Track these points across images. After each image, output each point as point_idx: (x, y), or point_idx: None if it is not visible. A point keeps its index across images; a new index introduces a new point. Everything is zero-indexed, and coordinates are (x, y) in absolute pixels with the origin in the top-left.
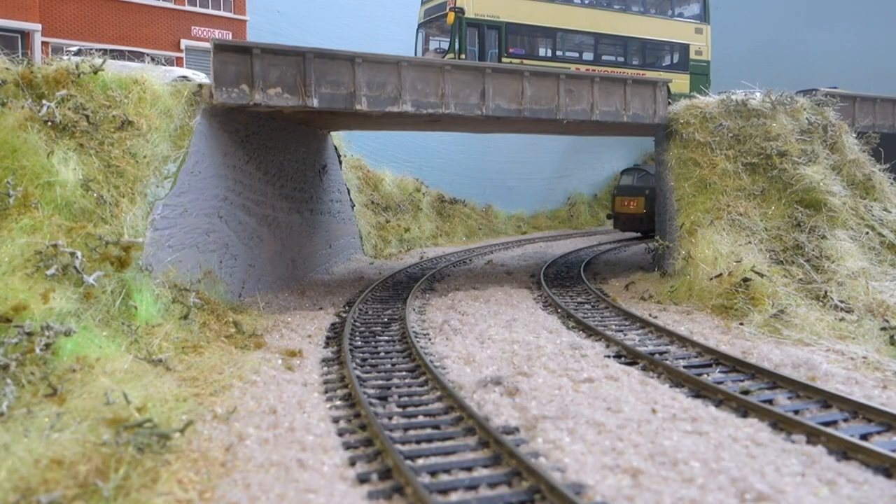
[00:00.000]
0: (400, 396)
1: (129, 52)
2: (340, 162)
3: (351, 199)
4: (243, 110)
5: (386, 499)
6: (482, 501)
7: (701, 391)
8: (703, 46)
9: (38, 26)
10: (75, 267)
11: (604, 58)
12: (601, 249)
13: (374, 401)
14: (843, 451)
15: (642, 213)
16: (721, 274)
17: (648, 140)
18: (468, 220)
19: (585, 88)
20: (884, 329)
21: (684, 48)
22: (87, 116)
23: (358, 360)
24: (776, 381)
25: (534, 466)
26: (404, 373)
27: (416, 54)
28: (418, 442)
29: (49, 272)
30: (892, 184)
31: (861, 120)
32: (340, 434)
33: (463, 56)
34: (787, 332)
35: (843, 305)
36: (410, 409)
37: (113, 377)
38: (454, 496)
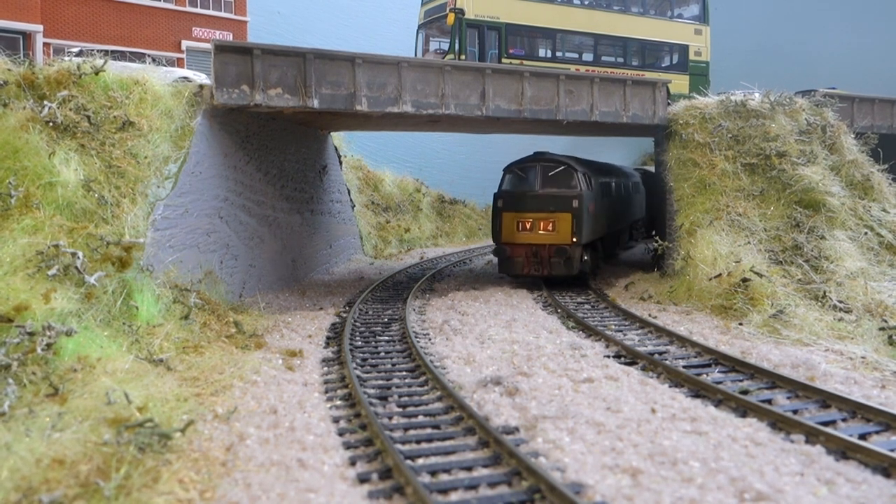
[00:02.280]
0: (400, 396)
1: (130, 52)
2: (340, 162)
3: (351, 200)
4: (244, 111)
5: (386, 498)
6: (482, 501)
7: (700, 391)
8: (703, 47)
9: (40, 27)
10: (76, 267)
11: (603, 58)
12: None
13: (374, 401)
14: (842, 450)
15: (568, 242)
16: (720, 274)
17: (648, 140)
18: (468, 221)
19: (585, 89)
20: (882, 329)
21: (684, 49)
22: (88, 117)
23: (358, 360)
24: (775, 380)
25: (534, 466)
26: (404, 373)
27: (416, 55)
28: (418, 442)
29: (50, 272)
30: (890, 184)
31: (860, 120)
32: (341, 434)
33: (463, 57)
34: (786, 332)
35: (841, 305)
36: (410, 409)
37: (114, 377)
38: (454, 496)
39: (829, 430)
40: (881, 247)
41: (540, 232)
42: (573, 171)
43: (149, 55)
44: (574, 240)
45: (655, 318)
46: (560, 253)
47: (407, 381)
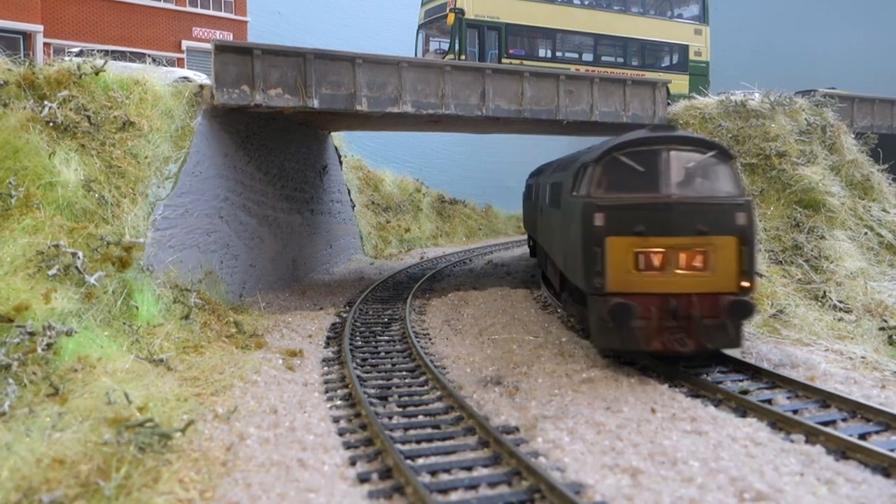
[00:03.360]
0: (400, 396)
1: (130, 52)
2: (341, 162)
3: (351, 200)
4: (244, 111)
5: (386, 498)
6: (482, 501)
7: (700, 391)
8: (703, 47)
9: (40, 27)
10: (77, 267)
11: (603, 58)
12: None
13: (374, 400)
14: (842, 450)
15: (733, 289)
16: None
17: None
18: (468, 221)
19: (585, 89)
20: (882, 329)
21: (683, 49)
22: (88, 117)
23: (358, 360)
24: (775, 380)
25: (534, 466)
26: (404, 373)
27: (416, 55)
28: (418, 441)
29: (51, 272)
30: (890, 184)
31: (859, 121)
32: (341, 434)
33: (463, 57)
34: (785, 331)
35: (841, 305)
36: (410, 409)
37: (114, 377)
38: (454, 496)
39: (829, 430)
40: (881, 247)
41: (680, 271)
42: (728, 160)
43: (149, 55)
44: (745, 284)
45: None
46: (734, 310)
47: (407, 380)
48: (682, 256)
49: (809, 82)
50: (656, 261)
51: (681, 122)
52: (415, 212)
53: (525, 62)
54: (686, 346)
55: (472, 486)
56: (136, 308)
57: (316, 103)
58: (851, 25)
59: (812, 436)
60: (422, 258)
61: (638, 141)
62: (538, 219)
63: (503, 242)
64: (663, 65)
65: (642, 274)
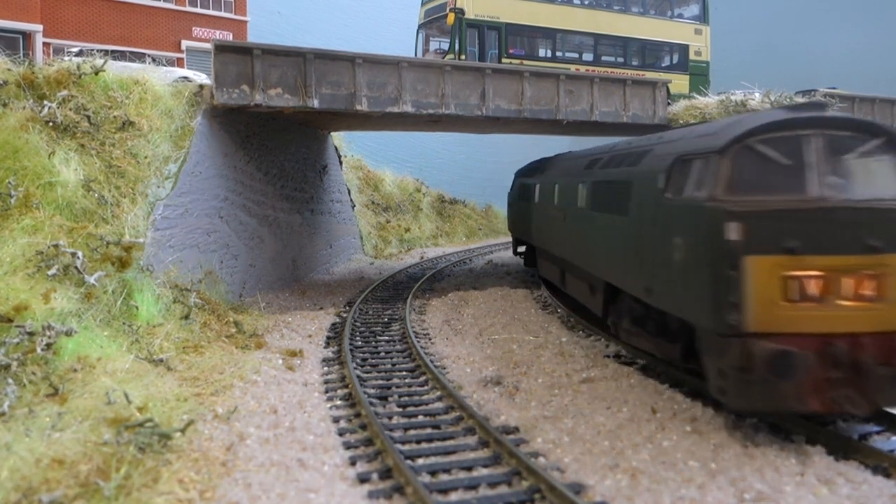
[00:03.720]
0: (400, 396)
1: (130, 52)
2: (341, 162)
3: (351, 200)
4: (244, 111)
5: (386, 498)
6: (482, 501)
7: (700, 391)
8: (703, 47)
9: (40, 27)
10: (76, 267)
11: (603, 58)
12: None
13: (374, 400)
14: (842, 450)
15: None
16: None
17: None
18: (468, 220)
19: (585, 89)
20: None
21: (684, 49)
22: (88, 117)
23: (358, 360)
24: None
25: (533, 466)
26: (404, 373)
27: (416, 55)
28: (418, 442)
29: (50, 272)
30: None
31: None
32: (341, 434)
33: (463, 57)
34: None
35: None
36: (410, 409)
37: (114, 377)
38: (454, 496)
39: (829, 430)
40: None
41: (845, 303)
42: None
43: (149, 55)
44: None
45: None
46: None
47: (407, 380)
48: (848, 282)
49: (809, 82)
50: (813, 288)
51: (681, 121)
52: (415, 212)
53: (525, 62)
54: (857, 407)
55: (472, 487)
56: (136, 308)
57: (316, 103)
58: (851, 25)
59: (812, 436)
60: (422, 258)
61: (779, 124)
62: (551, 224)
63: (503, 242)
64: (663, 65)
65: (795, 307)
